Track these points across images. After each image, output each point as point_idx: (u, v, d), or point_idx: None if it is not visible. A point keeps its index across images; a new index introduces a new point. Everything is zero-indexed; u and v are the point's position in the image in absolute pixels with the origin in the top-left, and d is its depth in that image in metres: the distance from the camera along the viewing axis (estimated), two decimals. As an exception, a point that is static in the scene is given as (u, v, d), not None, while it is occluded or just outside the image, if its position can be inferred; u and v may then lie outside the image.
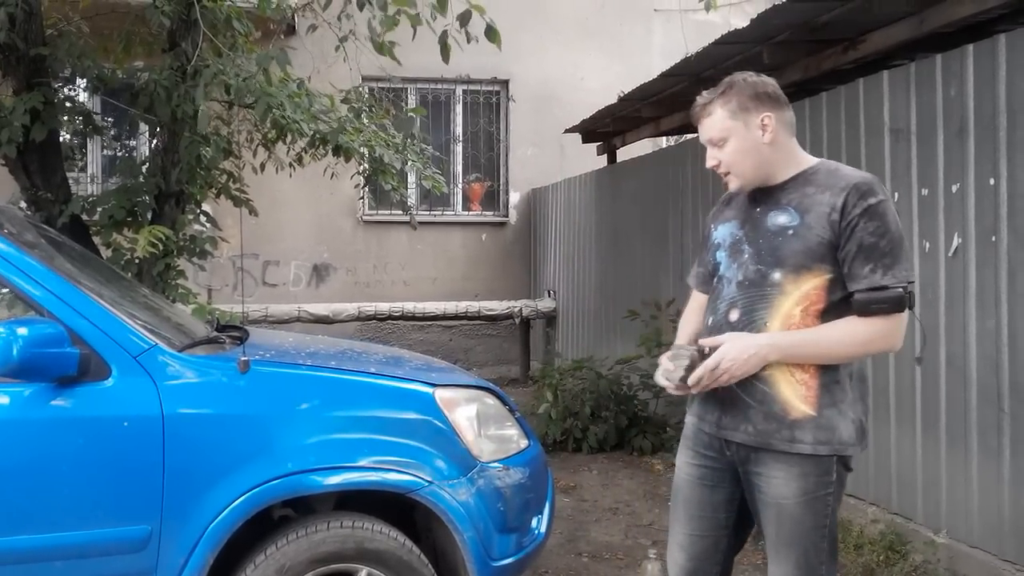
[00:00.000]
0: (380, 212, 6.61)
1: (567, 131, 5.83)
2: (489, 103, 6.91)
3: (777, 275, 1.47)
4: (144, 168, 3.67)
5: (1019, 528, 2.40)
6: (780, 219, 1.50)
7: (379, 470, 1.87)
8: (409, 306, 6.05)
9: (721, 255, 1.59)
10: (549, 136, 6.60)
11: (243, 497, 1.76)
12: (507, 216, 6.91)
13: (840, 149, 3.19)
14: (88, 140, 4.56)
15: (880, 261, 1.42)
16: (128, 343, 1.77)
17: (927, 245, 2.76)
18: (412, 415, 1.97)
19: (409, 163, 4.00)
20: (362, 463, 1.87)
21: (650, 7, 6.91)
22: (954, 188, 2.64)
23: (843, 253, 1.44)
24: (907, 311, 1.45)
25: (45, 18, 3.46)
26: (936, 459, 2.72)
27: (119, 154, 5.65)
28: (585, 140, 5.99)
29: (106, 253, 3.41)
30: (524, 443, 2.13)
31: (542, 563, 2.75)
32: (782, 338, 1.45)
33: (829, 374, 1.47)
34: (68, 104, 3.69)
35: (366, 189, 4.52)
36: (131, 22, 3.65)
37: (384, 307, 6.00)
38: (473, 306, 6.17)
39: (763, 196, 1.56)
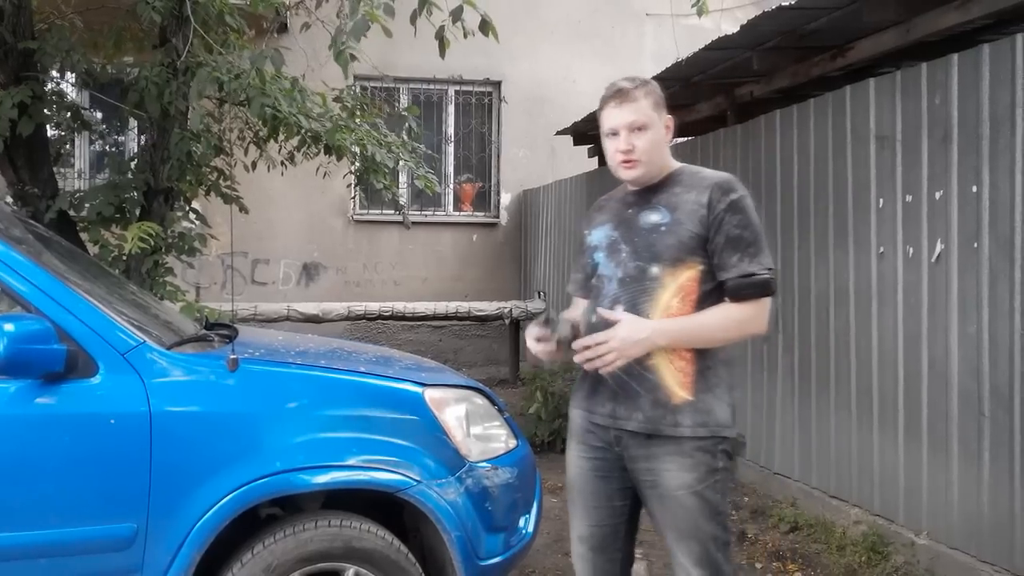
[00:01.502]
0: (371, 211, 6.60)
1: (558, 133, 5.85)
2: (481, 104, 6.92)
3: (655, 269, 1.57)
4: (133, 164, 3.65)
5: (998, 530, 2.44)
6: (652, 217, 1.60)
7: (367, 469, 1.87)
8: (399, 306, 6.04)
9: (600, 256, 1.66)
10: (540, 138, 6.62)
11: (230, 496, 1.75)
12: (498, 217, 6.93)
13: (827, 155, 3.23)
14: (76, 135, 4.51)
15: (746, 251, 1.54)
16: (116, 340, 1.76)
17: (911, 251, 2.80)
18: (401, 414, 1.97)
19: (402, 162, 4.00)
20: (351, 462, 1.87)
21: (642, 11, 6.94)
22: (938, 195, 2.68)
23: (713, 245, 1.56)
24: (771, 296, 1.57)
25: (35, 12, 3.43)
26: (918, 462, 2.76)
27: (108, 150, 5.60)
28: (576, 142, 6.01)
29: (93, 250, 3.39)
30: (513, 443, 2.15)
31: (529, 562, 2.76)
32: (669, 324, 1.54)
33: (703, 360, 1.57)
34: (56, 99, 3.65)
35: (357, 188, 4.51)
36: (122, 17, 3.62)
37: (374, 307, 5.98)
38: (463, 306, 6.17)
39: (635, 199, 1.66)
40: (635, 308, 1.56)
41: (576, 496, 1.68)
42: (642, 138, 1.58)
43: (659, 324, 1.53)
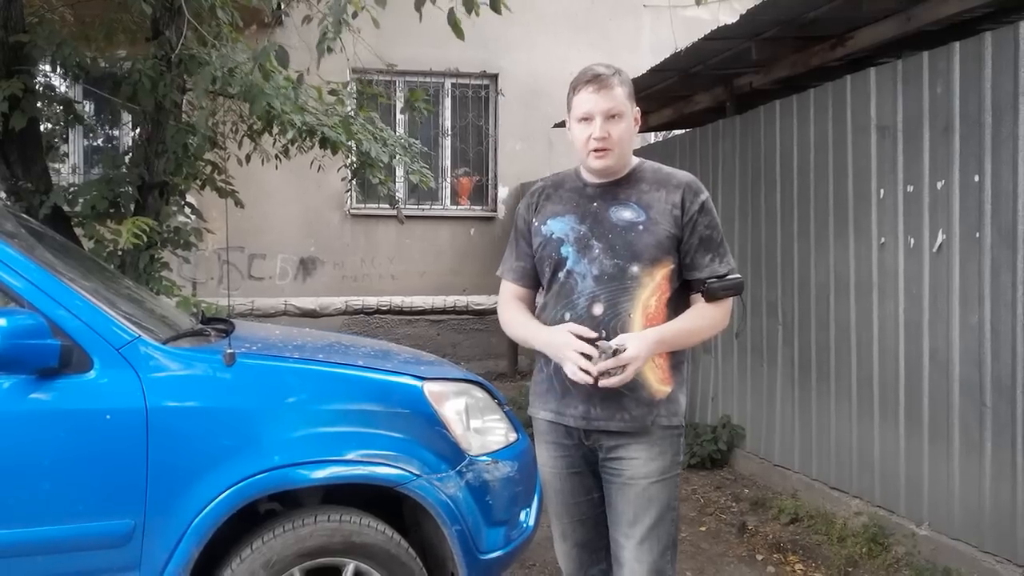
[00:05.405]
0: (368, 206, 6.56)
1: (556, 126, 5.82)
2: (478, 97, 6.88)
3: (636, 268, 1.56)
4: (127, 158, 3.62)
5: (999, 521, 2.44)
6: (625, 214, 1.58)
7: (367, 464, 1.86)
8: (397, 300, 6.04)
9: (568, 250, 1.59)
10: (538, 130, 6.59)
11: (228, 491, 1.74)
12: (495, 210, 6.90)
13: (827, 145, 3.21)
14: (69, 130, 4.47)
15: (717, 251, 1.59)
16: (111, 335, 1.74)
17: (912, 241, 2.79)
18: (400, 408, 1.96)
19: (397, 157, 3.97)
20: (349, 456, 1.85)
21: (639, 2, 6.90)
22: (939, 185, 2.67)
23: (686, 246, 1.58)
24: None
25: (26, 5, 3.40)
26: (919, 453, 2.76)
27: (102, 144, 5.56)
28: (574, 135, 5.97)
29: (88, 245, 3.36)
30: (513, 436, 2.13)
31: (530, 556, 2.76)
32: (666, 333, 1.55)
33: (676, 355, 1.62)
34: (48, 92, 3.62)
35: (353, 182, 4.48)
36: (113, 10, 3.58)
37: (372, 301, 5.98)
38: (461, 300, 6.17)
39: (598, 192, 1.61)
40: (616, 307, 1.55)
41: (554, 496, 1.67)
42: (617, 127, 1.56)
43: (658, 336, 1.53)
